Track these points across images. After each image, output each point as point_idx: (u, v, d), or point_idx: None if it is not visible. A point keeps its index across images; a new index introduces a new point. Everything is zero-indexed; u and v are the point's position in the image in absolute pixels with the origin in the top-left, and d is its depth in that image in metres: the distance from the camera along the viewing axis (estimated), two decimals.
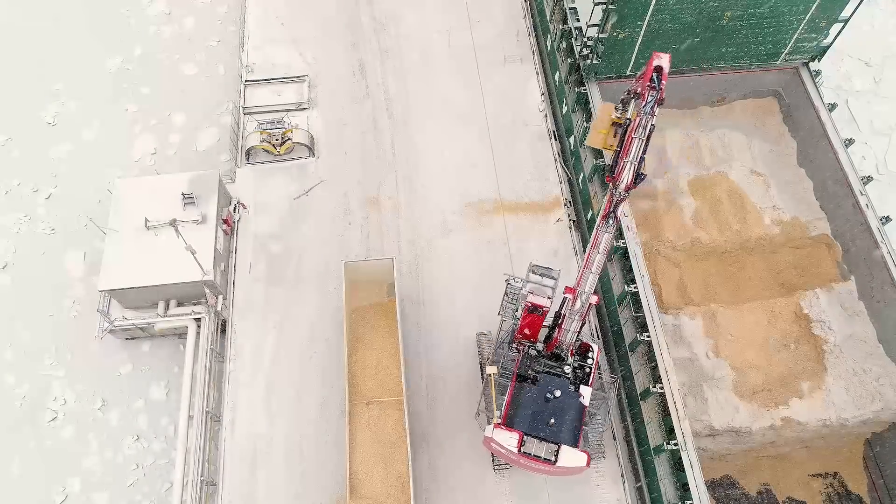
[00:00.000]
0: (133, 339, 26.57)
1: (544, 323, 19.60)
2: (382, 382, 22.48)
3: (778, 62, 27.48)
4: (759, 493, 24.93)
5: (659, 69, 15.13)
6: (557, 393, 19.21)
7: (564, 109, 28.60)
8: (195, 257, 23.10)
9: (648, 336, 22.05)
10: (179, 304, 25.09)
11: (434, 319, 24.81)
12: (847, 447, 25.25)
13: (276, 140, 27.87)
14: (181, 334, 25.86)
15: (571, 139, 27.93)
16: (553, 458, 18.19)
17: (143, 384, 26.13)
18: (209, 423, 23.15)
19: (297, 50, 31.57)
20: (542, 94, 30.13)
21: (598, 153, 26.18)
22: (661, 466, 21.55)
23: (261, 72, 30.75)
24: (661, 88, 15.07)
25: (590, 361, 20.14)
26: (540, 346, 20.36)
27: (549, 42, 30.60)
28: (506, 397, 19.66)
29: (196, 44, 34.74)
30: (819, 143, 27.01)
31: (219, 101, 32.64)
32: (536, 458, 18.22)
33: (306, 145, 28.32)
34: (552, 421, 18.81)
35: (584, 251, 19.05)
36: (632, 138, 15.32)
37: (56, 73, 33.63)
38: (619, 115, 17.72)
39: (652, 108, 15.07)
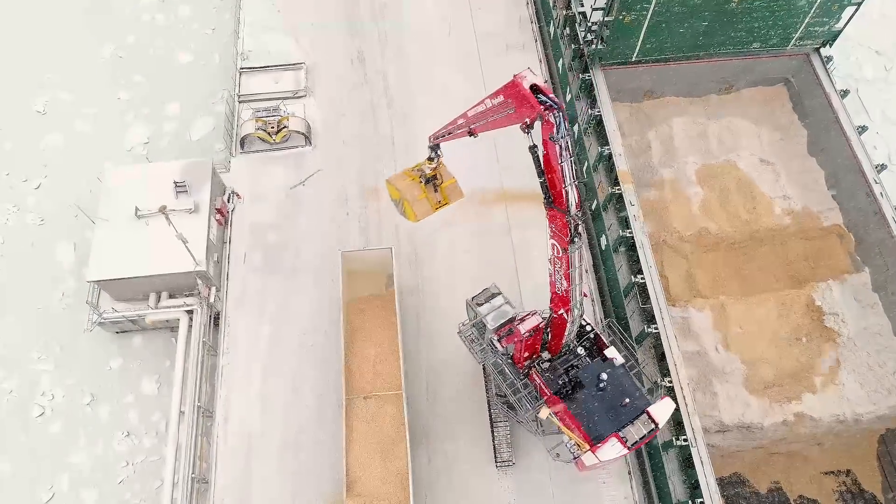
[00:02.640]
0: (124, 332, 25.81)
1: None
2: (381, 376, 21.73)
3: (788, 47, 26.77)
4: (770, 492, 24.14)
5: (536, 87, 13.15)
6: (604, 376, 18.47)
7: (568, 97, 27.86)
8: (187, 247, 22.35)
9: (656, 328, 21.35)
10: (171, 296, 24.34)
11: (434, 311, 24.07)
12: (861, 444, 24.46)
13: (272, 128, 27.12)
14: (173, 328, 25.08)
15: (575, 127, 27.15)
16: (654, 424, 17.71)
17: (133, 379, 25.39)
18: (201, 418, 22.45)
19: (294, 37, 30.82)
20: (546, 81, 29.22)
21: (603, 141, 25.41)
22: (670, 463, 20.85)
23: (256, 59, 30.00)
24: (558, 103, 13.11)
25: (589, 328, 19.52)
26: (546, 354, 19.56)
27: (552, 29, 29.85)
28: (561, 422, 18.50)
29: (191, 32, 33.99)
30: (831, 130, 26.28)
31: (213, 90, 31.89)
32: (643, 438, 17.66)
33: (302, 133, 27.54)
34: (626, 400, 18.06)
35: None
36: (560, 167, 13.89)
37: (47, 62, 32.85)
38: (433, 168, 17.11)
39: (566, 128, 13.28)
